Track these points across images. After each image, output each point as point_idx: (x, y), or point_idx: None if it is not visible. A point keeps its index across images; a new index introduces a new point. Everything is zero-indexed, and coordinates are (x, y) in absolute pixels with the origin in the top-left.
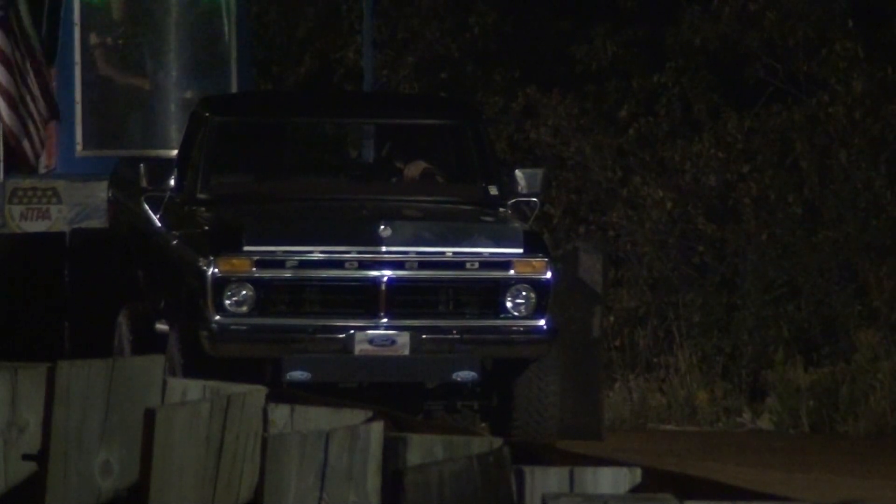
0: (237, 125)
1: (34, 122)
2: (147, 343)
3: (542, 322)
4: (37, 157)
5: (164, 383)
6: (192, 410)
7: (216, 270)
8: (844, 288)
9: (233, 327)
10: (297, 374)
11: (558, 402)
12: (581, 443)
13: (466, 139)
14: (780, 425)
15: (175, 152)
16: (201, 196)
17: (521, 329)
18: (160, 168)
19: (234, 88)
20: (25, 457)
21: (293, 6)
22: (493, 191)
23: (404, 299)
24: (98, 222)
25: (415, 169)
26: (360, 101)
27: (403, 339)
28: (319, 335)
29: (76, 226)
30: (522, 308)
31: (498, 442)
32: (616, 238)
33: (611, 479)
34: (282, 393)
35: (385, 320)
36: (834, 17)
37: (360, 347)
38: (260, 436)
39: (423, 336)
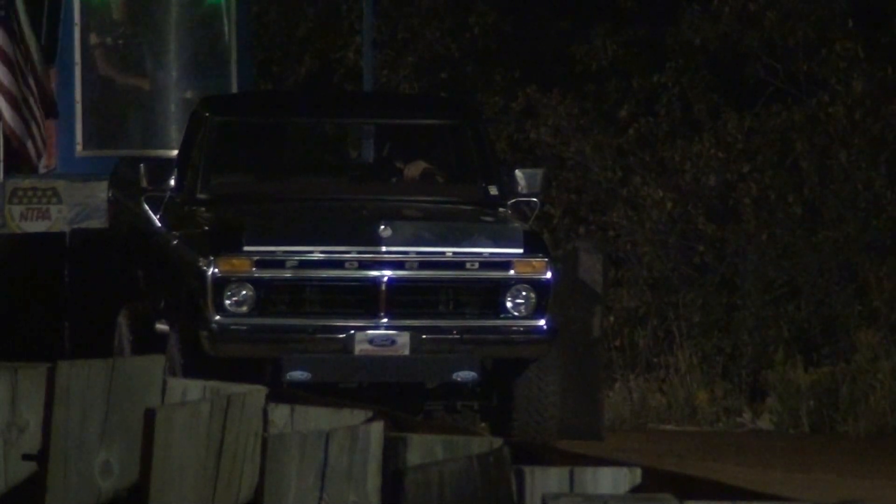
0: (237, 125)
1: (36, 122)
2: (147, 343)
3: (542, 322)
4: (39, 157)
5: (164, 383)
6: (192, 410)
7: (216, 270)
8: (844, 288)
9: (233, 327)
10: (297, 374)
11: (558, 402)
12: (581, 443)
13: (466, 139)
14: (780, 425)
15: (175, 152)
16: (201, 196)
17: (521, 329)
18: (160, 168)
19: (234, 88)
20: (25, 457)
21: (293, 6)
22: (493, 191)
23: (404, 299)
24: (98, 222)
25: (415, 169)
26: (360, 101)
27: (403, 339)
28: (319, 335)
29: (76, 226)
30: (522, 308)
31: (498, 442)
32: (616, 238)
33: (611, 479)
34: (282, 393)
35: (385, 320)
36: (834, 17)
37: (360, 347)
38: (260, 436)
39: (423, 336)
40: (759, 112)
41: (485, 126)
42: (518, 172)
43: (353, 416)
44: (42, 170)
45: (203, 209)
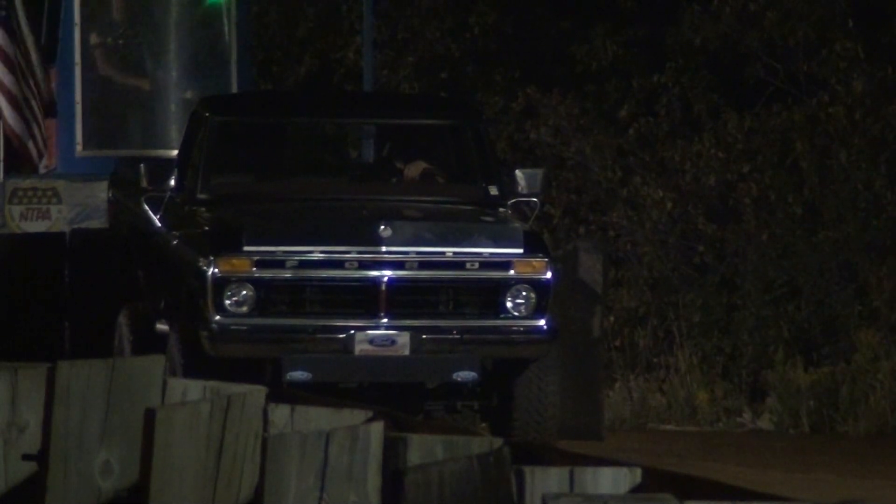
0: (237, 125)
1: (38, 123)
2: (147, 343)
3: (542, 322)
4: (41, 157)
5: (165, 383)
6: (193, 410)
7: (216, 270)
8: (844, 288)
9: (233, 327)
10: (298, 374)
11: (558, 402)
12: (581, 443)
13: (466, 139)
14: (780, 425)
15: (175, 152)
16: (201, 196)
17: (522, 329)
18: (160, 168)
19: (234, 88)
20: (25, 457)
21: (293, 6)
22: (494, 191)
23: (404, 299)
24: (98, 222)
25: (415, 169)
26: (360, 101)
27: (404, 339)
28: (319, 335)
29: (76, 226)
30: (522, 308)
31: (498, 442)
32: (616, 238)
33: (611, 479)
34: (282, 393)
35: (385, 320)
36: (834, 17)
37: (360, 347)
38: (260, 436)
39: (424, 336)
40: (759, 112)
41: (485, 126)
42: (518, 172)
43: (353, 416)
44: (42, 170)
45: (203, 209)
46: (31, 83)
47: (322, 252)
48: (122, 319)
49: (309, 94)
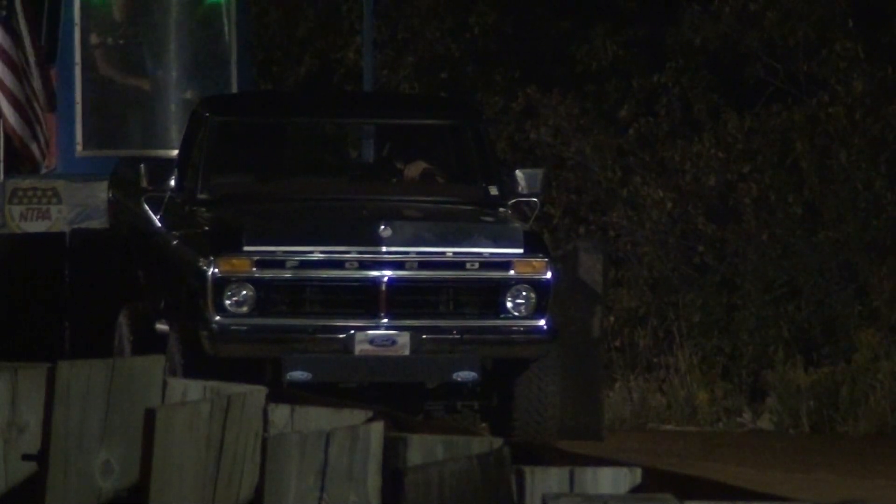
0: (237, 125)
1: (40, 124)
2: (147, 343)
3: (542, 322)
4: (43, 157)
5: (165, 383)
6: (193, 410)
7: (216, 270)
8: (844, 288)
9: (233, 327)
10: (298, 374)
11: (558, 402)
12: (581, 443)
13: (466, 139)
14: (780, 425)
15: (175, 152)
16: (201, 196)
17: (522, 329)
18: (160, 168)
19: (234, 88)
20: (25, 457)
21: (293, 6)
22: (494, 191)
23: (404, 299)
24: (98, 222)
25: (415, 169)
26: (360, 101)
27: (404, 339)
28: (320, 335)
29: (76, 226)
30: (523, 308)
31: (498, 442)
32: (616, 238)
33: (611, 479)
34: (282, 393)
35: (385, 320)
36: (834, 17)
37: (360, 347)
38: (260, 436)
39: (424, 336)
40: (759, 112)
41: (485, 126)
42: (518, 172)
43: (353, 416)
44: (42, 170)
45: (203, 209)
46: (33, 83)
47: (322, 252)
48: (123, 319)
49: (309, 94)
